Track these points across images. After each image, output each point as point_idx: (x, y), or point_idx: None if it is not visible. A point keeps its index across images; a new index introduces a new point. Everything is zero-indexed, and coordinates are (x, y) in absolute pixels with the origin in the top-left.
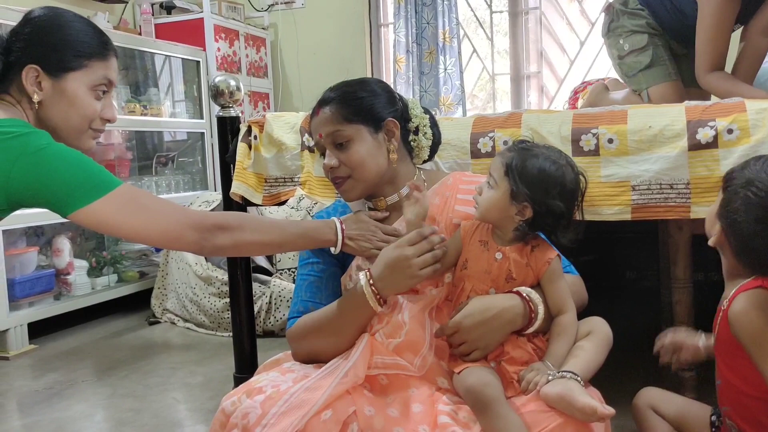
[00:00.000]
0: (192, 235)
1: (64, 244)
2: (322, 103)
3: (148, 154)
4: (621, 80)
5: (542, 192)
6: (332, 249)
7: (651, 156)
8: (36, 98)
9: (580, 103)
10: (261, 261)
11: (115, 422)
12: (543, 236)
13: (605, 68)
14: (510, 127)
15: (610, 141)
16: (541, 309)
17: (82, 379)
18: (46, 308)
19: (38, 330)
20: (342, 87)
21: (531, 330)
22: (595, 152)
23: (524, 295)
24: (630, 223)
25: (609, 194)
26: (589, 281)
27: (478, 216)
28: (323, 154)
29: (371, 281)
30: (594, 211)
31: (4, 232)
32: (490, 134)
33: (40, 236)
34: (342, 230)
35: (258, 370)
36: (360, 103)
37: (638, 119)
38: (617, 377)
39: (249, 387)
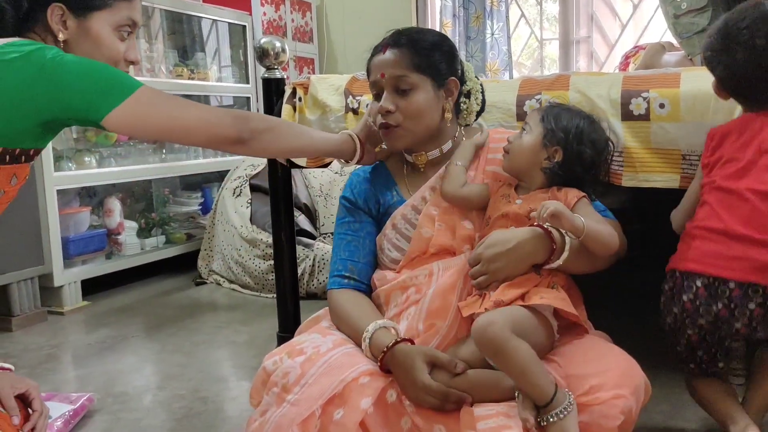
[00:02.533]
0: (229, 120)
1: (114, 204)
2: (393, 44)
3: None
4: (675, 42)
5: (575, 137)
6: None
7: (704, 124)
8: (61, 37)
9: (631, 68)
10: (305, 224)
11: (163, 376)
12: None
13: (659, 32)
14: (557, 89)
15: (662, 106)
16: (567, 243)
17: (132, 335)
18: (99, 266)
19: (91, 287)
20: (413, 33)
21: (555, 264)
22: (646, 117)
23: (546, 226)
24: (679, 192)
25: (658, 161)
26: (636, 251)
27: (507, 164)
28: (377, 95)
29: (384, 355)
30: (642, 178)
31: (58, 192)
32: (537, 96)
33: (92, 197)
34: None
35: (299, 329)
36: (431, 55)
37: (692, 83)
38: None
39: (290, 347)
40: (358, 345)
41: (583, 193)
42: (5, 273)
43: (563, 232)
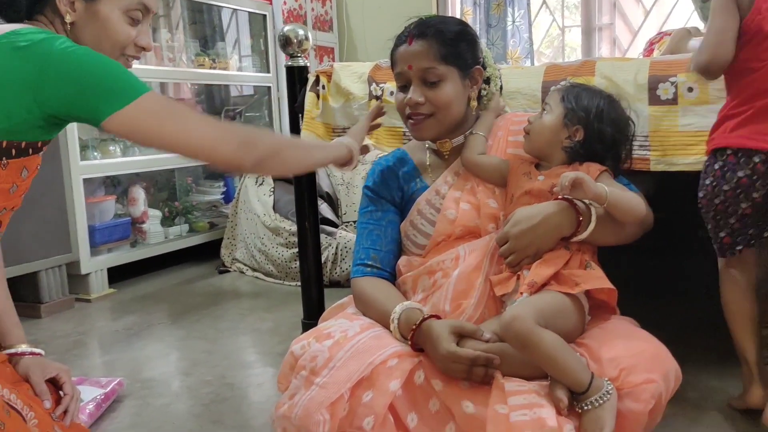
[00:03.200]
0: (233, 138)
1: (138, 193)
2: (418, 35)
3: (217, 109)
4: (701, 27)
5: (596, 116)
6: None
7: None
8: (68, 18)
9: (656, 54)
10: (327, 213)
11: (188, 362)
12: None
13: (683, 19)
14: (583, 75)
15: (690, 90)
16: (593, 213)
17: (158, 322)
18: (124, 255)
19: (116, 275)
20: (438, 24)
21: (583, 236)
22: (673, 101)
23: (571, 199)
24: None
25: (686, 143)
26: (659, 239)
27: (528, 144)
28: (403, 87)
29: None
30: (669, 161)
31: (84, 181)
32: (562, 82)
33: (116, 186)
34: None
35: (323, 315)
36: (457, 46)
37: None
38: (690, 334)
39: (318, 332)
40: (386, 328)
41: (605, 167)
42: (34, 261)
43: (587, 202)
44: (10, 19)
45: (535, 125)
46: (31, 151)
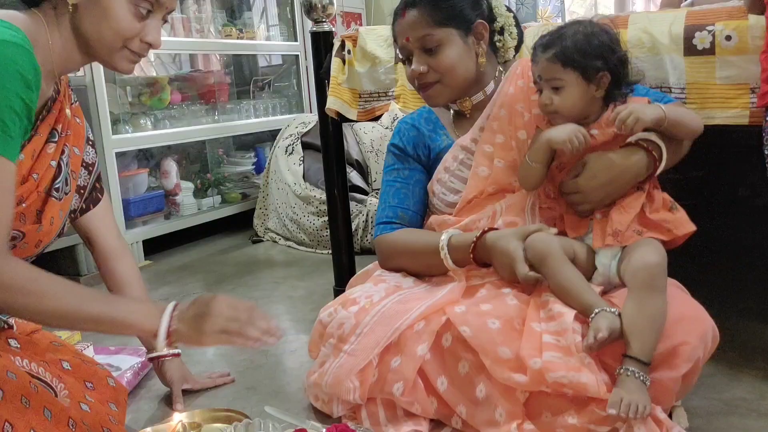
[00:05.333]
0: None
1: (171, 166)
2: (409, 4)
3: (246, 79)
4: None
5: (607, 49)
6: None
7: None
8: (71, 0)
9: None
10: (357, 181)
11: None
12: None
13: None
14: (616, 28)
15: (728, 38)
16: (664, 150)
17: (193, 291)
18: (158, 227)
19: (152, 247)
20: None
21: (655, 174)
22: (711, 51)
23: (646, 146)
24: (743, 134)
25: (725, 96)
26: (699, 198)
27: (562, 121)
28: (406, 60)
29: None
30: (708, 115)
31: (117, 154)
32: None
33: (149, 159)
34: (169, 321)
35: (350, 282)
36: (451, 6)
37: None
38: (730, 293)
39: (344, 299)
40: (429, 266)
41: (646, 100)
42: (71, 234)
43: (654, 138)
44: (29, 4)
45: (562, 106)
46: None
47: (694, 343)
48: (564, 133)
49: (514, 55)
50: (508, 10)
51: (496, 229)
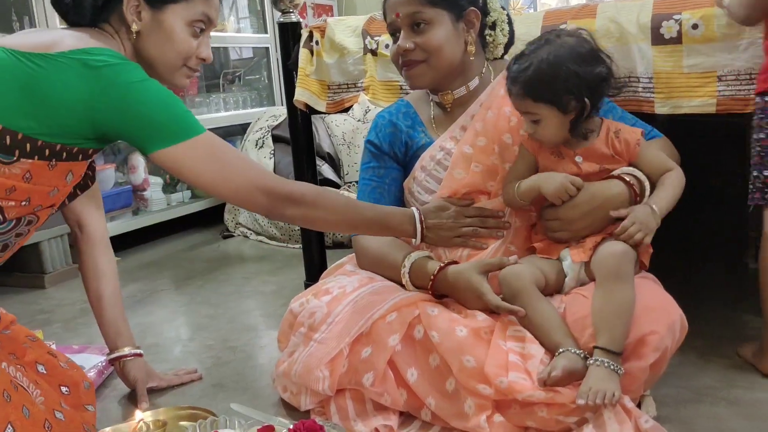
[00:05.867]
0: (263, 199)
1: (138, 161)
2: None
3: (215, 72)
4: None
5: (576, 78)
6: (413, 241)
7: (741, 42)
8: (134, 28)
9: None
10: (328, 174)
11: (193, 327)
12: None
13: None
14: (584, 18)
15: (695, 27)
16: (647, 185)
17: (162, 288)
18: (126, 223)
19: (120, 244)
20: None
21: None
22: (677, 40)
23: (628, 180)
24: (714, 124)
25: (692, 85)
26: None
27: (547, 145)
28: (394, 34)
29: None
30: (675, 104)
31: None
32: (563, 26)
33: (116, 154)
34: (421, 221)
35: (323, 275)
36: None
37: (728, 1)
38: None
39: (316, 288)
40: (392, 280)
41: (639, 134)
42: (39, 230)
43: (638, 174)
44: (72, 23)
45: (542, 134)
46: (81, 156)
47: (662, 332)
48: (555, 185)
49: (503, 55)
50: (503, 8)
51: (456, 263)
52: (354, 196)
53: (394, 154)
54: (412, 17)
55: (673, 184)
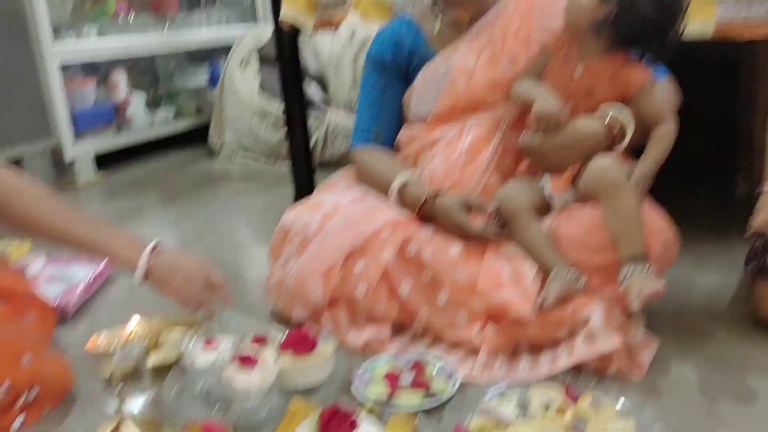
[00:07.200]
0: None
1: (120, 78)
2: None
3: None
4: None
5: None
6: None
7: None
8: None
9: None
10: (316, 95)
11: (180, 243)
12: None
13: None
14: None
15: None
16: (629, 129)
17: (148, 206)
18: (109, 141)
19: (104, 162)
20: None
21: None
22: None
23: (606, 121)
24: (709, 51)
25: (691, 9)
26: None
27: (567, 16)
28: None
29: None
30: None
31: (63, 68)
32: None
33: (97, 71)
34: (149, 259)
35: (315, 191)
36: None
37: None
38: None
39: (309, 203)
40: (384, 195)
41: (647, 76)
42: (17, 144)
43: (622, 119)
44: None
45: (571, 2)
46: None
47: (657, 249)
48: (547, 107)
49: None
50: None
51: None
52: (342, 118)
53: (397, 67)
54: None
55: (662, 145)
